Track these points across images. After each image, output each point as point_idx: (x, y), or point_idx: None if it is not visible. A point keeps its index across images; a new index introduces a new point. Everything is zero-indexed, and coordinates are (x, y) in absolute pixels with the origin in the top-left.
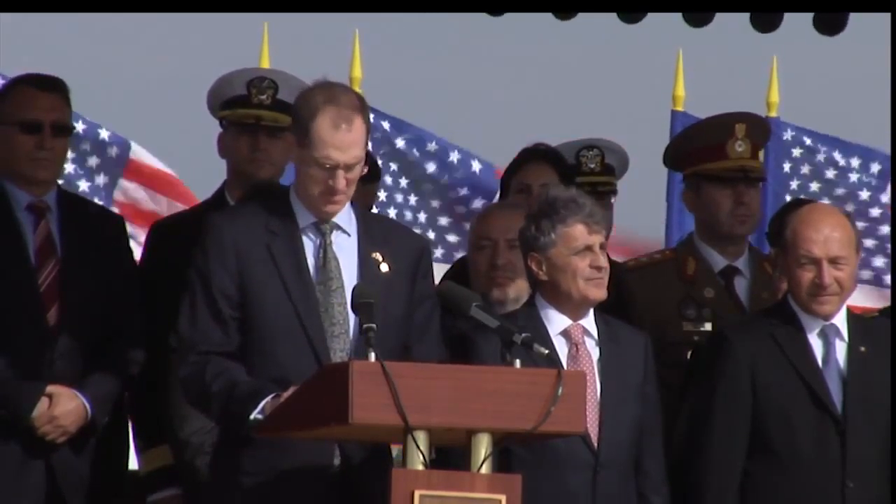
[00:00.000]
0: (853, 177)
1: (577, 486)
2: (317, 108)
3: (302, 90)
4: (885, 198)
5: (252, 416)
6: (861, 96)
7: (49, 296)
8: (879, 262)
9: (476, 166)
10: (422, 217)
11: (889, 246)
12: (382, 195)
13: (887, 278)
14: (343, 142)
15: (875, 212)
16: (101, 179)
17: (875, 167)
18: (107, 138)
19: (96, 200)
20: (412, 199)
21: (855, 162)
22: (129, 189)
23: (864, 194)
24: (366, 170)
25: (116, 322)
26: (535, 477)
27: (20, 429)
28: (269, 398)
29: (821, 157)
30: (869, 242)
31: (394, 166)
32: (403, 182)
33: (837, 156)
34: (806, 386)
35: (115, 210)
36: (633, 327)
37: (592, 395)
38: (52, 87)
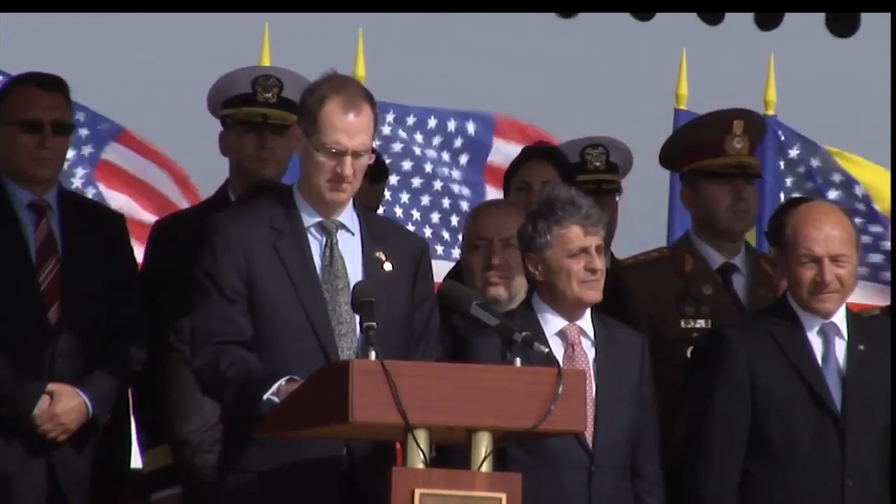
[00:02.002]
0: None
1: (572, 486)
2: (325, 96)
3: (309, 83)
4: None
5: (266, 397)
6: (860, 95)
7: (50, 294)
8: (877, 258)
9: (471, 128)
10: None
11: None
12: (387, 194)
13: (884, 274)
14: (351, 126)
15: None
16: (87, 149)
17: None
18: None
19: (79, 170)
20: (425, 200)
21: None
22: (120, 153)
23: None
24: (373, 158)
25: (117, 320)
26: (530, 477)
27: (21, 427)
28: (283, 380)
29: (815, 162)
30: (865, 238)
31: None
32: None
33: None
34: (805, 384)
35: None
36: (631, 328)
37: (588, 396)
38: (53, 86)
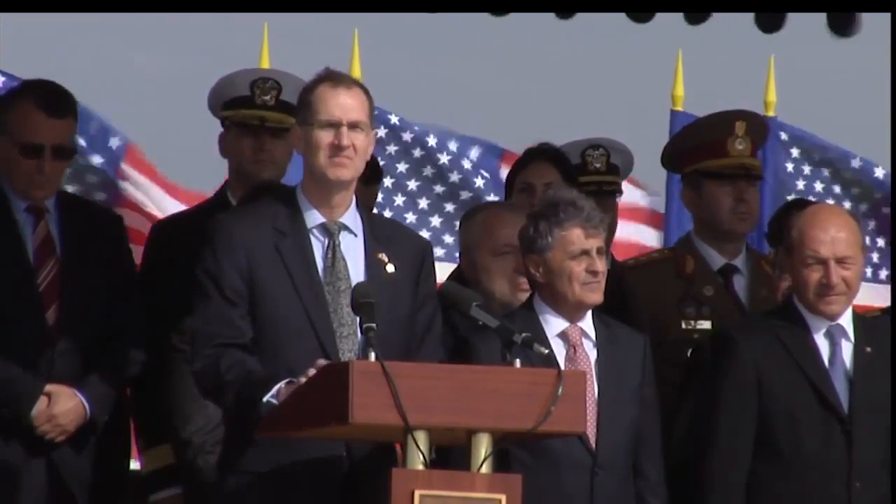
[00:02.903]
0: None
1: (574, 487)
2: (317, 84)
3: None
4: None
5: (265, 399)
6: (860, 96)
7: (48, 296)
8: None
9: (475, 153)
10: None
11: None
12: (380, 197)
13: (881, 273)
14: (344, 102)
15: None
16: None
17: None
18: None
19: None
20: (423, 203)
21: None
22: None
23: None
24: (374, 138)
25: (116, 322)
26: (532, 478)
27: (20, 428)
28: (282, 383)
29: (817, 157)
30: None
31: (401, 168)
32: (412, 184)
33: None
34: (812, 386)
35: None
36: (633, 329)
37: (590, 396)
38: (59, 112)
